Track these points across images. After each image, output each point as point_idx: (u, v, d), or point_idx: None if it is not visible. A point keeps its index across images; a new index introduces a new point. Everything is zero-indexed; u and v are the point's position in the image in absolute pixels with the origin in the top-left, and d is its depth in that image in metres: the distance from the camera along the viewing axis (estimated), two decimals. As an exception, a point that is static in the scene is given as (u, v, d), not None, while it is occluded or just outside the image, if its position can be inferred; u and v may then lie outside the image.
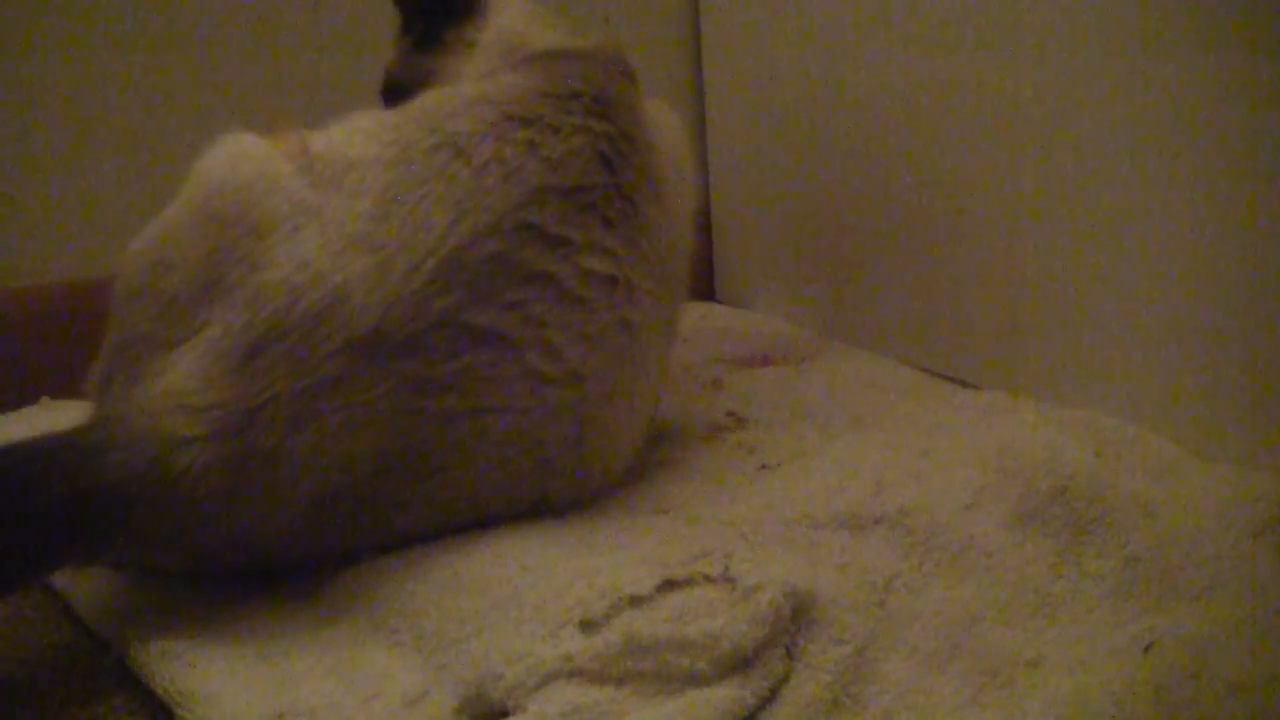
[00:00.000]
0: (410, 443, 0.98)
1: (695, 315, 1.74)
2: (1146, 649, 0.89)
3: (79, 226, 1.50)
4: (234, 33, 1.55)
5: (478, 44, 1.22)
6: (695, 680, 0.82)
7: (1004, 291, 1.36)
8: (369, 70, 1.63)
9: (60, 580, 1.02)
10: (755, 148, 1.70)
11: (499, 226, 1.00)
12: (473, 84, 1.14)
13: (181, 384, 0.95)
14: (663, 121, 1.18)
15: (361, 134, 1.04)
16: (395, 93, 1.22)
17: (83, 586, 1.01)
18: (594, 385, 1.05)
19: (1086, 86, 1.22)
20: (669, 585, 0.88)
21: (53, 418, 1.35)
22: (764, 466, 1.18)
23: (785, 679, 0.84)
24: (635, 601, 0.86)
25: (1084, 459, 1.07)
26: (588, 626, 0.85)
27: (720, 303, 1.83)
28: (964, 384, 1.41)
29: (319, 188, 0.99)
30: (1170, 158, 1.15)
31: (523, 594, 0.90)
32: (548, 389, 1.02)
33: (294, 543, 0.99)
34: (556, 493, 1.05)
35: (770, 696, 0.83)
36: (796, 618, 0.86)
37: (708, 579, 0.88)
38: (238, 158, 1.02)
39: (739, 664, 0.83)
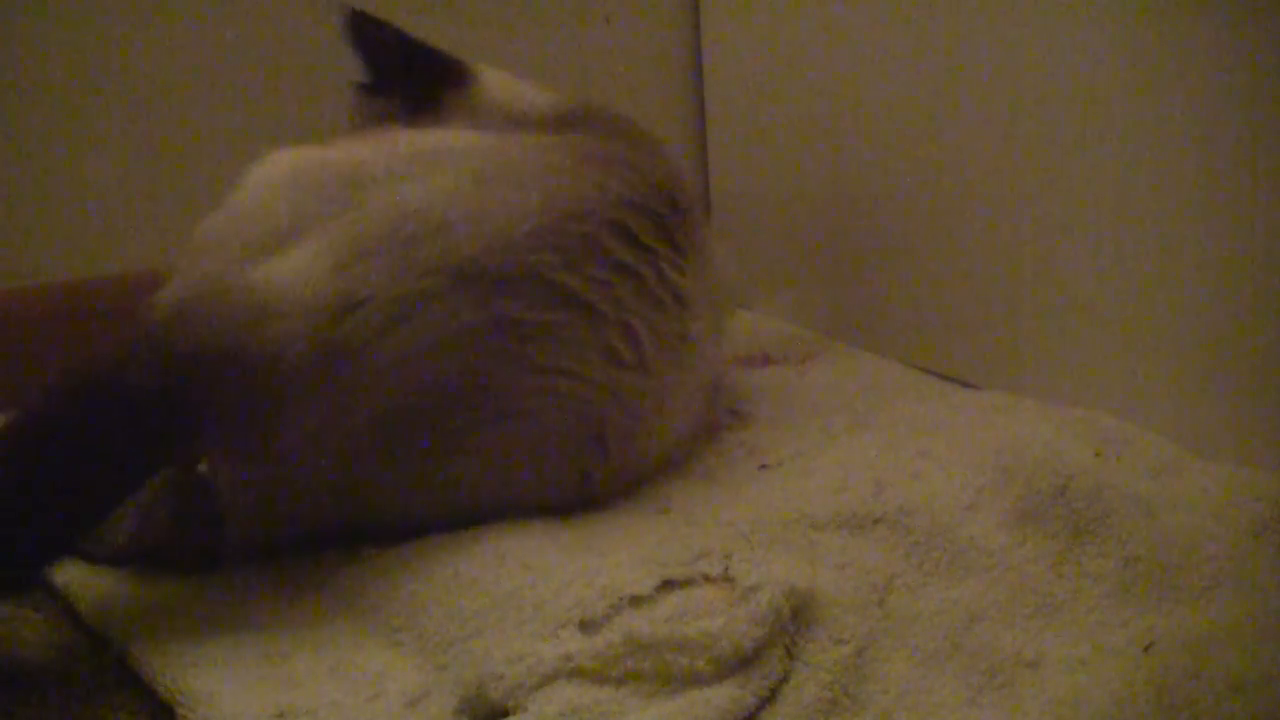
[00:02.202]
0: (485, 379, 1.01)
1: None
2: (1146, 649, 0.89)
3: (79, 226, 1.50)
4: (234, 33, 1.55)
5: (476, 108, 1.28)
6: (695, 680, 0.82)
7: (1004, 291, 1.36)
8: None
9: (60, 580, 1.03)
10: (755, 148, 1.70)
11: (591, 216, 1.07)
12: (532, 135, 1.19)
13: (281, 274, 0.99)
14: None
15: (445, 133, 1.13)
16: None
17: (83, 586, 1.01)
18: (657, 383, 1.10)
19: (1086, 86, 1.22)
20: (669, 585, 0.88)
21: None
22: (764, 466, 1.18)
23: (785, 679, 0.84)
24: (635, 601, 0.87)
25: (1084, 459, 1.07)
26: (588, 626, 0.85)
27: (720, 303, 1.82)
28: (964, 384, 1.41)
29: (410, 163, 1.06)
30: (1170, 157, 1.15)
31: (523, 594, 0.90)
32: (619, 370, 1.07)
33: (358, 471, 0.99)
34: (597, 477, 1.08)
35: (770, 696, 0.83)
36: (796, 618, 0.86)
37: (708, 579, 0.88)
38: (314, 154, 1.09)
39: (739, 664, 0.83)
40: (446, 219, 1.01)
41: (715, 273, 1.23)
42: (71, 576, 1.02)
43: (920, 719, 0.83)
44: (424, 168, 1.06)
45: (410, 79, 1.29)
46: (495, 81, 1.31)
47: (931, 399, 1.33)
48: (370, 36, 1.29)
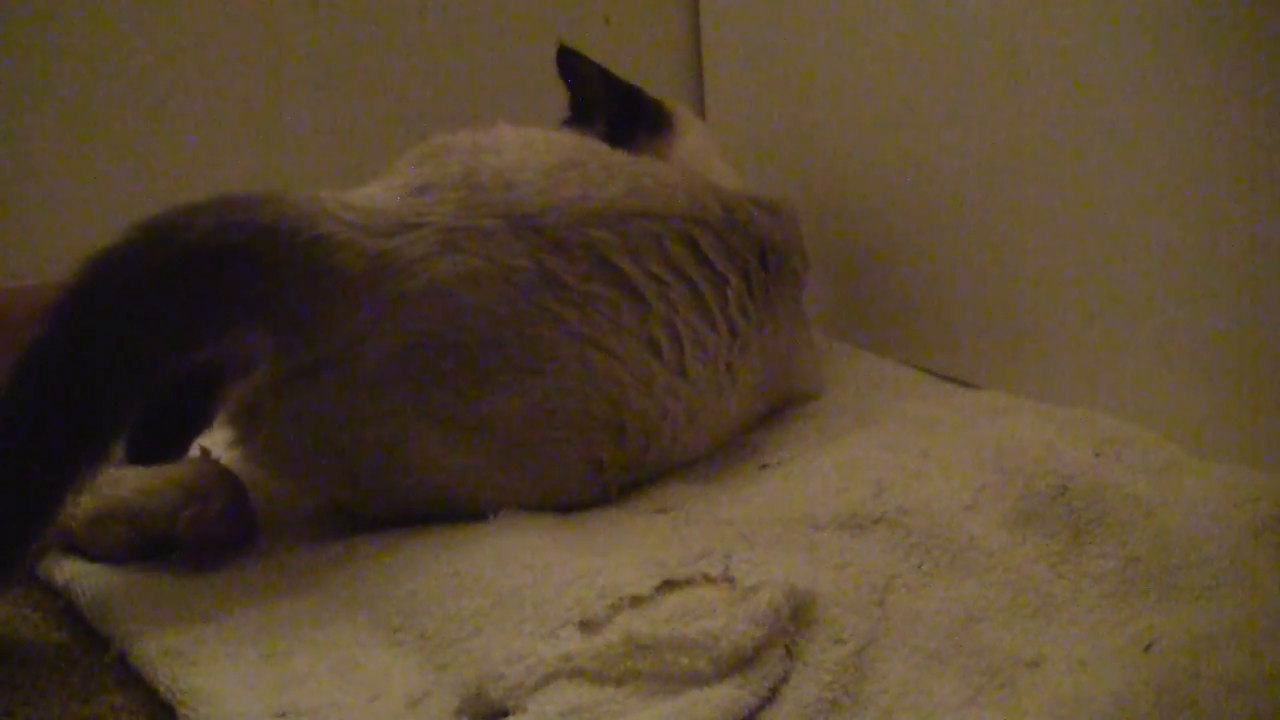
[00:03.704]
0: (522, 326, 1.03)
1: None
2: (1146, 649, 0.89)
3: (79, 226, 1.50)
4: (234, 32, 1.55)
5: (669, 160, 1.35)
6: (695, 680, 0.82)
7: (1004, 291, 1.36)
8: (366, 68, 1.63)
9: (60, 580, 1.03)
10: (755, 148, 1.69)
11: (667, 219, 1.12)
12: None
13: (353, 195, 1.04)
14: None
15: (557, 132, 1.20)
16: None
17: (83, 586, 1.01)
18: (690, 391, 1.12)
19: (1085, 86, 1.22)
20: (669, 585, 0.88)
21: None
22: (764, 466, 1.18)
23: (785, 679, 0.84)
24: (635, 601, 0.87)
25: (1084, 459, 1.07)
26: (588, 626, 0.85)
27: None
28: (964, 384, 1.41)
29: (503, 142, 1.12)
30: (1170, 157, 1.15)
31: (523, 594, 0.90)
32: (656, 364, 1.09)
33: (390, 396, 1.01)
34: (610, 472, 1.09)
35: (770, 696, 0.83)
36: (796, 618, 0.86)
37: (708, 579, 0.88)
38: (439, 136, 1.16)
39: (739, 664, 0.83)
40: (517, 179, 1.06)
41: (788, 356, 1.28)
42: (71, 575, 1.02)
43: (920, 719, 0.83)
44: (514, 147, 1.10)
45: (608, 113, 1.38)
46: (694, 141, 1.40)
47: (931, 399, 1.34)
48: (575, 70, 1.39)
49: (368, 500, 1.05)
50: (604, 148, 1.18)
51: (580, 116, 1.41)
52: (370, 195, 1.05)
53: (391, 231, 1.01)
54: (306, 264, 0.98)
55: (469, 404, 1.02)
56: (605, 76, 1.39)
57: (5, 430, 0.93)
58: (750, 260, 1.19)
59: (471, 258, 1.02)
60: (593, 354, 1.05)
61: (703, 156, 1.38)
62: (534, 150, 1.11)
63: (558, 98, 1.44)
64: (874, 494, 1.04)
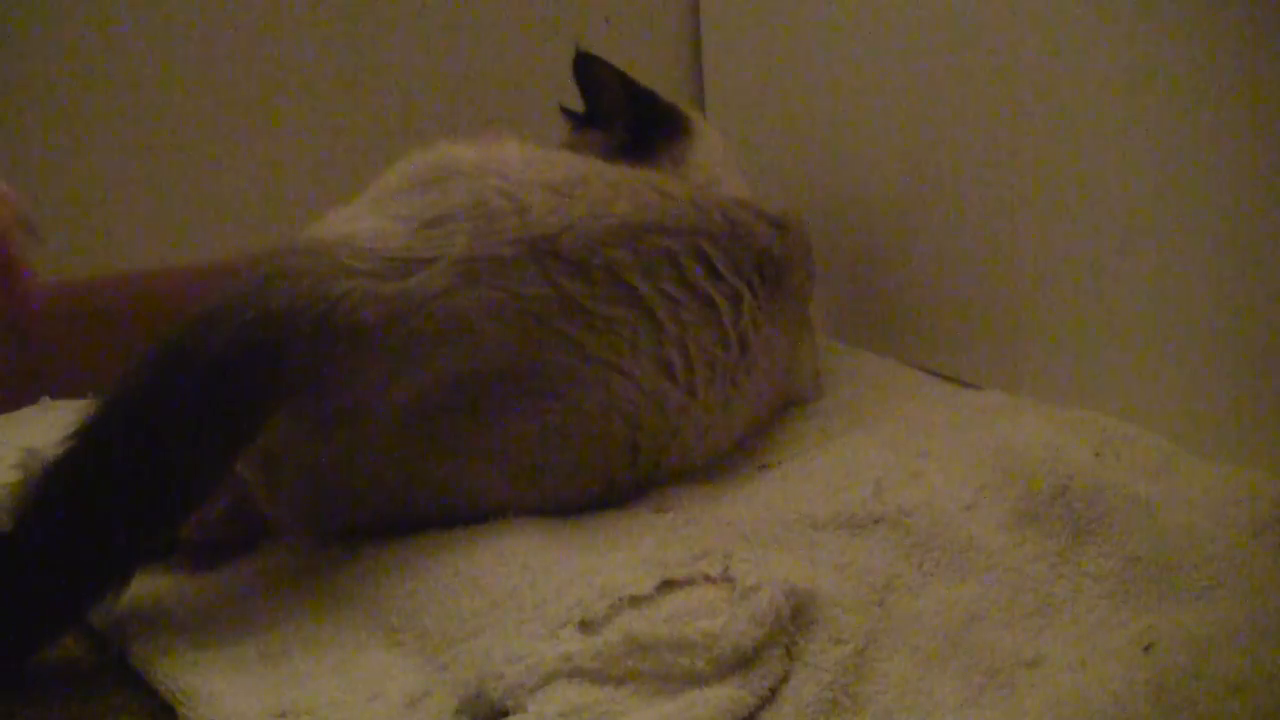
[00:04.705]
0: (541, 353, 1.02)
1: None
2: (1146, 649, 0.89)
3: (79, 226, 1.51)
4: (234, 32, 1.55)
5: (687, 164, 1.35)
6: (695, 680, 0.82)
7: (1004, 291, 1.36)
8: (365, 67, 1.63)
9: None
10: (755, 148, 1.70)
11: (678, 234, 1.10)
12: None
13: (356, 231, 1.02)
14: None
15: (559, 151, 1.18)
16: None
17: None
18: (700, 410, 1.12)
19: (1086, 86, 1.22)
20: (669, 585, 0.88)
21: (52, 418, 1.35)
22: (764, 466, 1.18)
23: (785, 679, 0.84)
24: (635, 601, 0.87)
25: (1084, 459, 1.07)
26: (588, 626, 0.85)
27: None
28: (964, 384, 1.41)
29: (508, 161, 1.09)
30: (1170, 157, 1.15)
31: (523, 594, 0.90)
32: (668, 384, 1.09)
33: (414, 436, 1.00)
34: (622, 486, 1.09)
35: (770, 696, 0.83)
36: (796, 618, 0.86)
37: (708, 579, 0.88)
38: (439, 148, 1.13)
39: (739, 664, 0.83)
40: (529, 201, 1.05)
41: (788, 365, 1.27)
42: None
43: (920, 719, 0.83)
44: (517, 166, 1.09)
45: (626, 119, 1.36)
46: (710, 147, 1.38)
47: (931, 399, 1.33)
48: (593, 75, 1.36)
49: (378, 524, 1.04)
50: (599, 162, 1.17)
51: (595, 122, 1.39)
52: (379, 232, 1.02)
53: (406, 270, 1.00)
54: (324, 333, 0.96)
55: (487, 433, 1.02)
56: (624, 81, 1.37)
57: (14, 568, 0.91)
58: (753, 273, 1.18)
59: (490, 290, 1.01)
60: (611, 377, 1.05)
61: (718, 164, 1.37)
62: (537, 168, 1.09)
63: (559, 98, 1.44)
64: (874, 494, 1.04)
